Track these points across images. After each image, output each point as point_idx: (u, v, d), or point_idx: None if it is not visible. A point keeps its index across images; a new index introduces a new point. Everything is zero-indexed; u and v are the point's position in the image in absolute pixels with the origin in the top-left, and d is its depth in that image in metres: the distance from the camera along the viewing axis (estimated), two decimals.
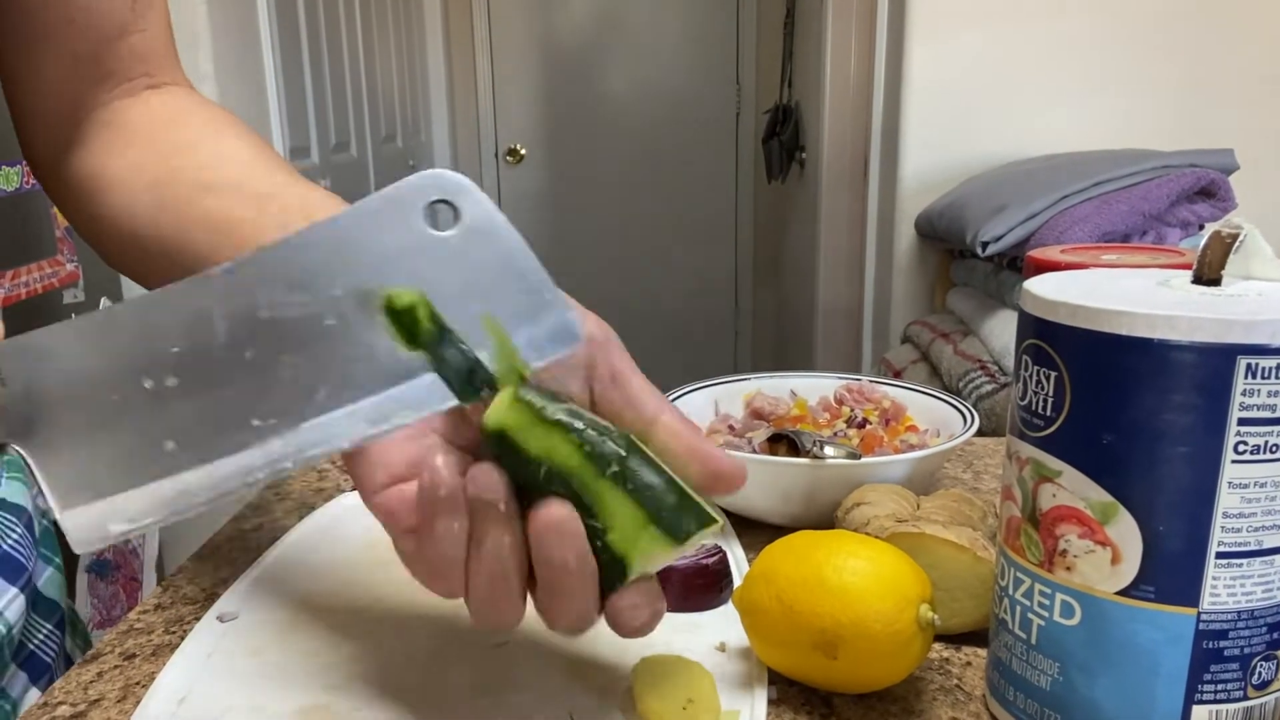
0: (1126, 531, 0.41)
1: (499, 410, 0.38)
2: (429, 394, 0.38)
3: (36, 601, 0.66)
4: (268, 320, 0.36)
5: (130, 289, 1.87)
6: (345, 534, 0.70)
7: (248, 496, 0.68)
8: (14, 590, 0.62)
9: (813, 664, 0.49)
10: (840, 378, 0.84)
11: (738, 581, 0.54)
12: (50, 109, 0.61)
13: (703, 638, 0.55)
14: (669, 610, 0.58)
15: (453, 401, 0.38)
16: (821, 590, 0.48)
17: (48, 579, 0.68)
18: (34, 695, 0.64)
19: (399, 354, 0.37)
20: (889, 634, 0.47)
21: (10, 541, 0.63)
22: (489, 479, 0.39)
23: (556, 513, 0.38)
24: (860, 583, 0.48)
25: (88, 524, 0.35)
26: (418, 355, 0.37)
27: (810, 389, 0.84)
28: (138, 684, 0.54)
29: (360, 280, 0.37)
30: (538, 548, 0.39)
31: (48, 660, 0.66)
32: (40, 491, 0.36)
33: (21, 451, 0.35)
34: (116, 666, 0.56)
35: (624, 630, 0.42)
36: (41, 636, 0.66)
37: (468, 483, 0.39)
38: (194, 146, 0.57)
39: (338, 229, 0.37)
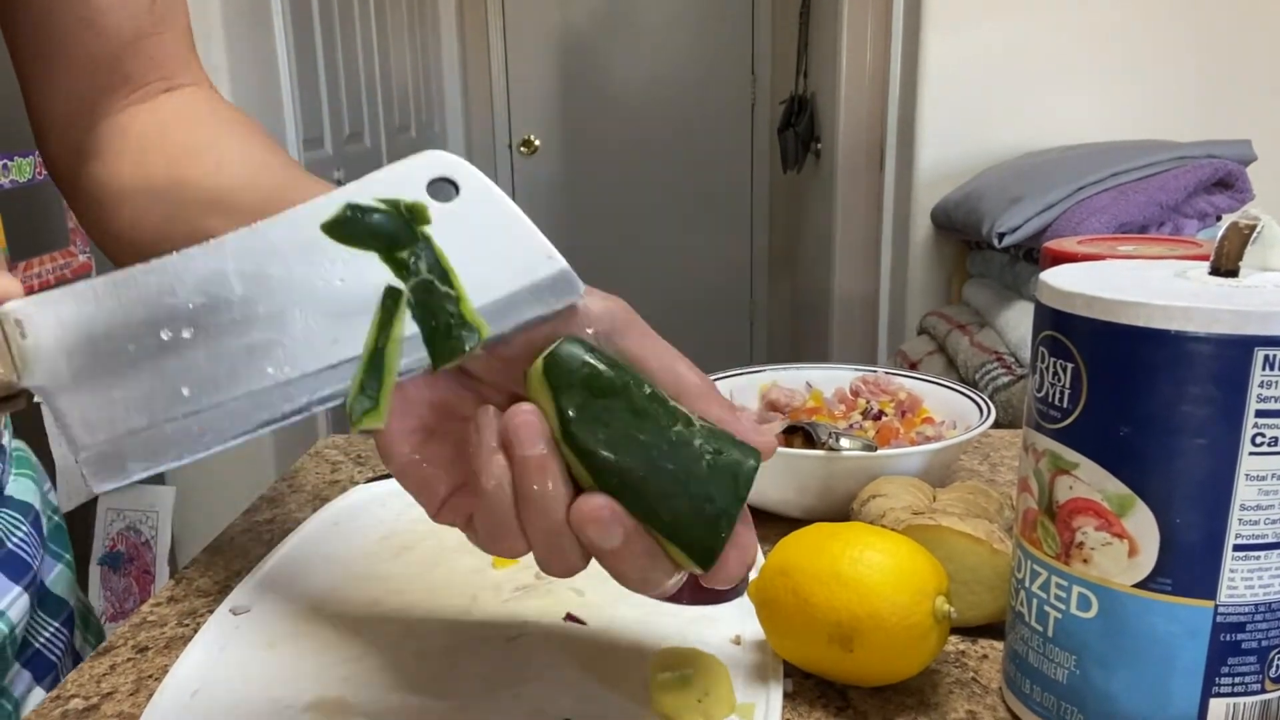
0: (1144, 524, 0.41)
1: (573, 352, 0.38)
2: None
3: (44, 599, 0.65)
4: (280, 279, 0.38)
5: None
6: (359, 526, 0.70)
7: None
8: (17, 589, 0.62)
9: (829, 657, 0.49)
10: (856, 369, 0.84)
11: (753, 574, 0.54)
12: (65, 115, 0.60)
13: (718, 630, 0.55)
14: (685, 603, 0.58)
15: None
16: (837, 583, 0.48)
17: (57, 576, 0.67)
18: (38, 694, 0.63)
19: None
20: (905, 627, 0.47)
21: (15, 539, 0.63)
22: (525, 417, 0.38)
23: (597, 505, 0.37)
24: (876, 575, 0.48)
25: (105, 462, 0.36)
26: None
27: (826, 380, 0.84)
28: (150, 677, 0.54)
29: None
30: (580, 535, 0.38)
31: (53, 659, 0.65)
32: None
33: (41, 398, 0.37)
34: (129, 659, 0.56)
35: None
36: (48, 635, 0.65)
37: (505, 420, 0.38)
38: (200, 153, 0.57)
39: (347, 200, 0.39)
